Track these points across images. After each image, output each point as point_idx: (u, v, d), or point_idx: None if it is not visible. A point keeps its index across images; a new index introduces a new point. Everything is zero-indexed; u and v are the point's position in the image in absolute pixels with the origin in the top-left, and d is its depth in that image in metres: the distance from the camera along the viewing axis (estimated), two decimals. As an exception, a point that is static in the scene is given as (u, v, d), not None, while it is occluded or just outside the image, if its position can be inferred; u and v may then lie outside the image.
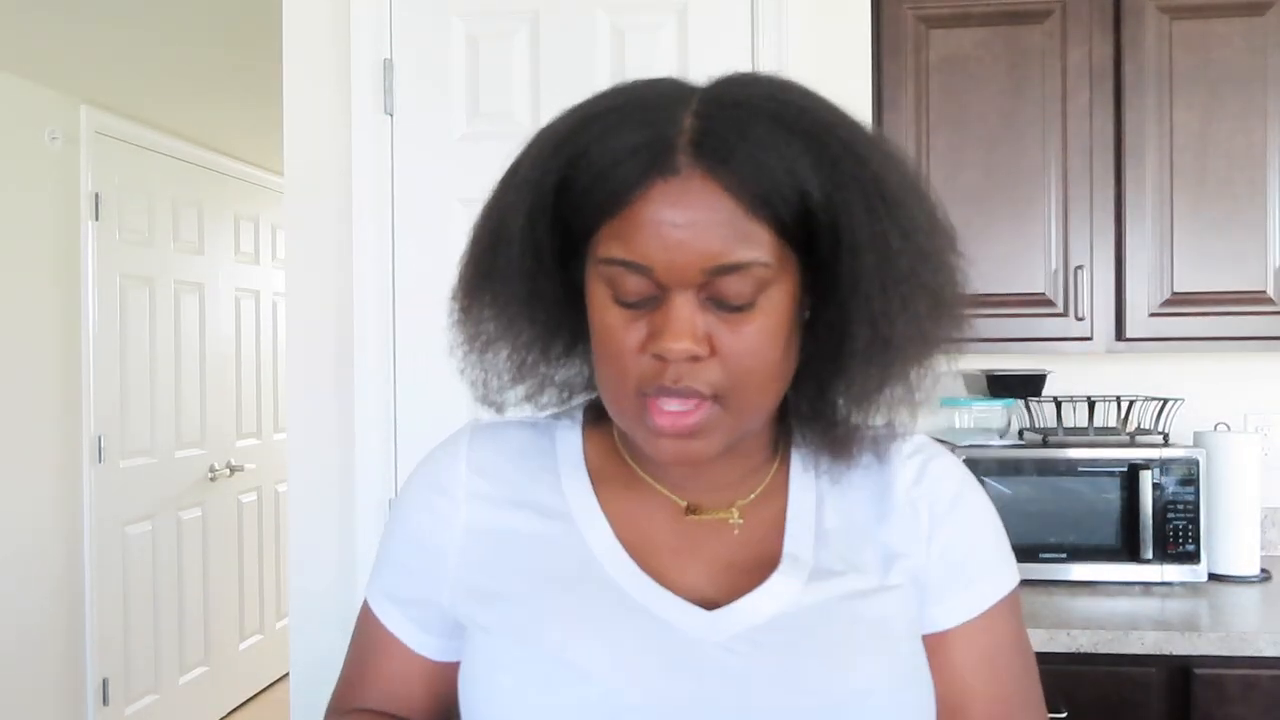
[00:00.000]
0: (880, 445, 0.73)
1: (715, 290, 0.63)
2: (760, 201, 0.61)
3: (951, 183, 1.93)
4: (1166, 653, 1.59)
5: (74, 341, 3.15)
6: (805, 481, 0.76)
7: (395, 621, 0.78)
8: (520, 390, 0.76)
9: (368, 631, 0.81)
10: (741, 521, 0.74)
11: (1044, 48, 1.92)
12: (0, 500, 2.88)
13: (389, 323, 1.94)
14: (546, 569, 0.72)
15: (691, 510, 0.74)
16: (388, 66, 1.93)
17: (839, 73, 1.91)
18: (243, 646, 3.97)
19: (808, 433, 0.74)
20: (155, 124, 3.46)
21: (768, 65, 1.84)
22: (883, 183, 0.63)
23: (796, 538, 0.73)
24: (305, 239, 1.99)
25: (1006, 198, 1.93)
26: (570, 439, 0.78)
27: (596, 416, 0.79)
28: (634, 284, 0.64)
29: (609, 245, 0.64)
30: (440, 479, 0.77)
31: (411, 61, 1.93)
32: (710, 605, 0.69)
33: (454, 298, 0.74)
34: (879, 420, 0.70)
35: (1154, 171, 1.90)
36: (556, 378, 0.76)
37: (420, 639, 0.78)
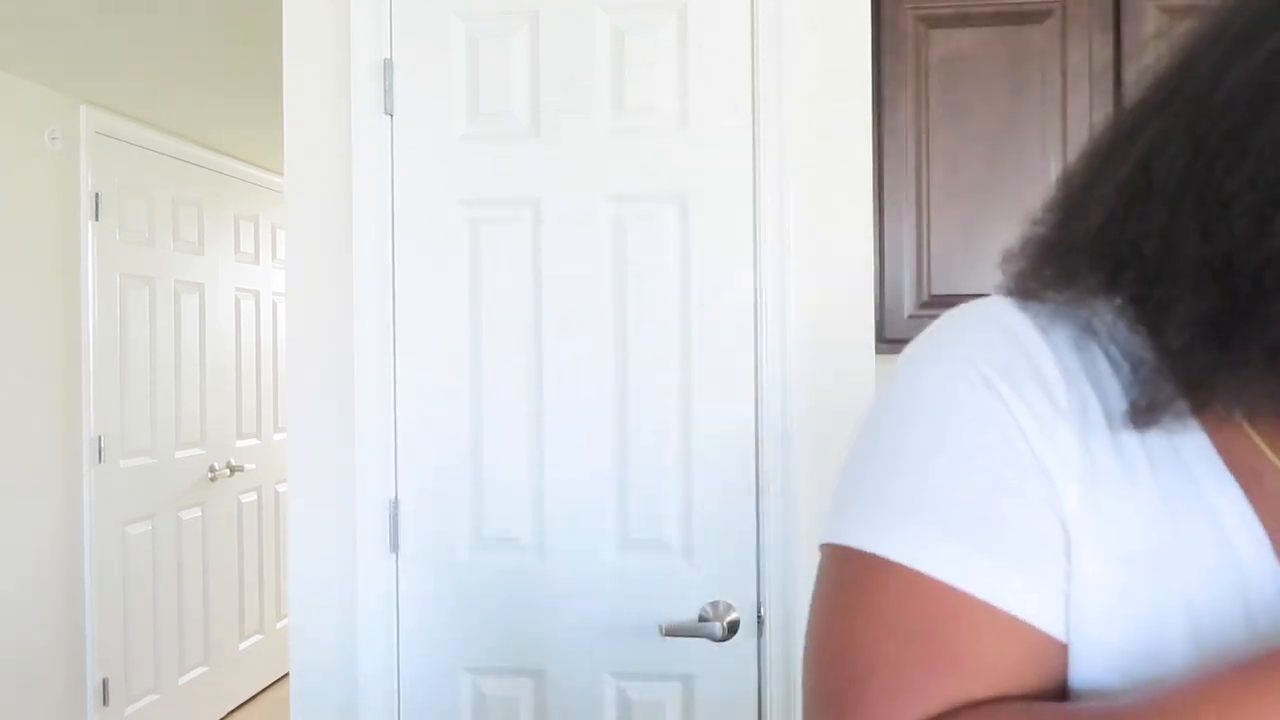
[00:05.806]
0: None
1: None
2: None
3: (951, 182, 1.93)
4: (1167, 653, 1.58)
5: (74, 341, 3.15)
6: None
7: (988, 583, 0.49)
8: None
9: (915, 603, 0.49)
10: None
11: (1044, 48, 1.92)
12: (0, 500, 2.88)
13: (389, 323, 1.94)
14: (1176, 531, 0.49)
15: None
16: (388, 66, 1.93)
17: (839, 72, 1.91)
18: (243, 646, 3.97)
19: None
20: (155, 124, 3.46)
21: (768, 65, 1.84)
22: None
23: None
24: (305, 239, 1.99)
25: (1006, 198, 1.93)
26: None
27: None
28: None
29: None
30: (1032, 360, 0.51)
31: (411, 61, 1.94)
32: None
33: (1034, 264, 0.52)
34: None
35: (1154, 171, 1.90)
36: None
37: (1047, 608, 0.50)
